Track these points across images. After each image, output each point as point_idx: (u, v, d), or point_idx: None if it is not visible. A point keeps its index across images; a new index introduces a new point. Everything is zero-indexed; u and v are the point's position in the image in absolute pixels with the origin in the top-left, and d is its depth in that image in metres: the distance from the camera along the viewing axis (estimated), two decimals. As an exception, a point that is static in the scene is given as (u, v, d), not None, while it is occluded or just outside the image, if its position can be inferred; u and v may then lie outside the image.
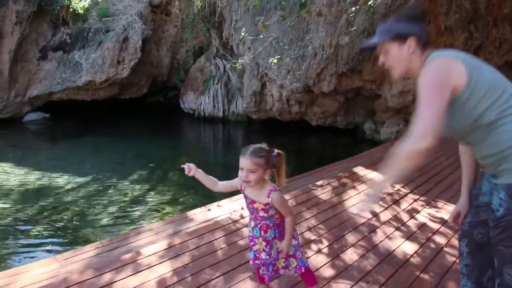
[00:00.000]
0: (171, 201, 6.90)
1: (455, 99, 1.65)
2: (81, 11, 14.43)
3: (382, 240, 3.60)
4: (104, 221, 5.96)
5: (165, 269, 3.00)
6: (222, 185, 2.43)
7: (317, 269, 2.99)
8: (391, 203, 4.61)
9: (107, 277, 2.85)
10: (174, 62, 16.60)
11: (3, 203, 6.67)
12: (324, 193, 4.86)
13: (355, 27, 8.73)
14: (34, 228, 5.66)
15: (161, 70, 16.30)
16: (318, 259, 3.17)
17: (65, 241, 5.35)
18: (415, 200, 4.76)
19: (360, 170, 6.03)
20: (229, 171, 9.05)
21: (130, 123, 14.58)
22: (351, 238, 3.61)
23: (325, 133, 11.61)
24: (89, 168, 8.90)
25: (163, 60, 16.21)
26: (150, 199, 6.95)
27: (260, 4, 7.51)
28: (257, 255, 2.34)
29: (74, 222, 5.91)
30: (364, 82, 10.35)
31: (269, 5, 7.10)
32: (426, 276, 2.99)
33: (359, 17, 8.89)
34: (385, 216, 4.21)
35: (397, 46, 1.80)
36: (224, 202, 5.07)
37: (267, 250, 2.27)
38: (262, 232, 2.25)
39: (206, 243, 3.47)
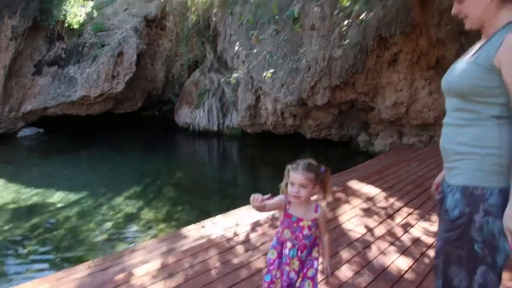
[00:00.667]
0: (166, 217, 6.86)
1: (498, 72, 1.57)
2: (76, 26, 14.46)
3: (377, 256, 3.59)
4: (98, 239, 5.91)
5: (158, 289, 2.98)
6: (269, 208, 2.25)
7: None
8: (385, 217, 4.61)
9: (99, 299, 2.83)
10: (169, 76, 16.64)
11: (-5, 220, 6.61)
12: (318, 208, 4.84)
13: (348, 41, 8.82)
14: (25, 247, 5.61)
15: (156, 84, 16.32)
16: (312, 277, 3.15)
17: (57, 260, 5.29)
18: (409, 214, 4.77)
19: (354, 184, 6.04)
20: (224, 185, 9.05)
21: (125, 137, 14.55)
22: (345, 254, 3.60)
23: (319, 146, 11.62)
24: (83, 184, 8.84)
25: (158, 74, 16.25)
26: (144, 216, 6.91)
27: (254, 19, 7.59)
28: (274, 279, 2.29)
29: (67, 241, 5.85)
30: (357, 94, 10.42)
31: (262, 20, 7.17)
32: (420, 293, 2.98)
33: (352, 30, 8.98)
34: (379, 230, 4.20)
35: None
36: (218, 218, 5.05)
37: (297, 270, 2.26)
38: (299, 252, 2.24)
39: (200, 262, 3.45)
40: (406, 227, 4.34)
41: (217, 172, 10.69)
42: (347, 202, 5.18)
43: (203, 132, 14.03)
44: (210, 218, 5.08)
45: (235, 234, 4.05)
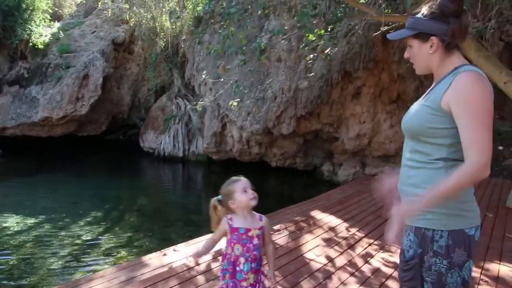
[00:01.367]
0: (127, 244, 6.69)
1: (450, 115, 1.65)
2: (41, 46, 14.24)
3: (337, 286, 3.64)
4: (54, 266, 5.68)
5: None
6: (217, 237, 2.45)
7: (272, 319, 2.96)
8: (346, 248, 4.68)
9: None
10: (135, 100, 16.52)
11: None
12: (280, 238, 4.88)
13: (313, 73, 9.07)
14: (-24, 275, 5.33)
15: (122, 108, 16.15)
16: (273, 308, 3.15)
17: (10, 288, 5.05)
18: (370, 244, 4.86)
19: (317, 214, 6.12)
20: (187, 212, 8.94)
21: (88, 161, 14.22)
22: (306, 285, 3.63)
23: (284, 174, 11.73)
24: (41, 208, 8.54)
25: (124, 98, 16.10)
26: (105, 243, 6.72)
27: (222, 49, 7.72)
28: None
29: (21, 268, 5.60)
30: (322, 125, 10.66)
31: (230, 50, 7.29)
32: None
33: (317, 63, 9.27)
34: (340, 261, 4.26)
35: (418, 43, 1.75)
36: (180, 246, 4.98)
37: (253, 283, 2.36)
38: (252, 264, 2.34)
39: (160, 292, 3.39)
40: (366, 257, 4.42)
41: (181, 199, 10.58)
42: (310, 231, 5.23)
43: (168, 158, 13.91)
44: (172, 246, 5.00)
45: (197, 263, 4.01)
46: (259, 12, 7.10)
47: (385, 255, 4.50)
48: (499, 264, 4.32)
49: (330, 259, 4.28)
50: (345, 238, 5.03)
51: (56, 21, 16.59)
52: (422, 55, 1.76)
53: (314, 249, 4.58)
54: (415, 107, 1.82)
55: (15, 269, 5.55)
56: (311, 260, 4.24)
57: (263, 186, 11.31)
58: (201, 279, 3.68)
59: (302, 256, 4.35)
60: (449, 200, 1.66)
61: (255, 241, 2.35)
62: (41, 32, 14.43)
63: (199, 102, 8.90)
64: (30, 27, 13.87)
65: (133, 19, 15.46)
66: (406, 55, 1.82)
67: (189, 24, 14.08)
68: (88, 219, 7.88)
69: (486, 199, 7.29)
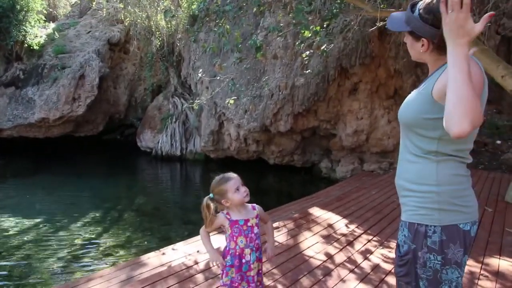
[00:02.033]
0: (125, 243, 6.68)
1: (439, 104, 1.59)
2: (36, 47, 14.18)
3: (337, 283, 3.62)
4: (53, 266, 5.67)
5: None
6: (210, 229, 2.51)
7: (272, 317, 2.96)
8: (345, 244, 4.67)
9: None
10: (132, 100, 16.48)
11: None
12: (279, 236, 4.87)
13: (309, 70, 9.05)
14: (-26, 277, 5.31)
15: (118, 107, 16.10)
16: (272, 306, 3.14)
17: (8, 290, 5.03)
18: (369, 241, 4.85)
19: (315, 211, 6.11)
20: (186, 211, 8.93)
21: (85, 161, 14.19)
22: (306, 282, 3.61)
23: (282, 172, 11.73)
24: (39, 209, 8.52)
25: (120, 97, 16.05)
26: (103, 242, 6.70)
27: (217, 47, 7.69)
28: None
29: (19, 269, 5.59)
30: (319, 122, 10.65)
31: (226, 48, 7.26)
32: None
33: (313, 60, 9.24)
34: (339, 258, 4.25)
35: (411, 40, 1.76)
36: (179, 245, 4.97)
37: (257, 271, 2.43)
38: (256, 253, 2.42)
39: (159, 292, 3.37)
40: (365, 254, 4.41)
41: (179, 198, 10.56)
42: (308, 228, 5.22)
43: (166, 157, 13.88)
44: (171, 245, 4.99)
45: (195, 262, 3.99)
46: (254, 10, 7.07)
47: (385, 251, 4.49)
48: (499, 258, 4.31)
49: (329, 256, 4.26)
50: (344, 235, 5.01)
51: (51, 21, 16.52)
52: (415, 50, 1.77)
53: (313, 246, 4.57)
54: (412, 95, 1.81)
55: (14, 270, 5.53)
56: (310, 257, 4.23)
57: (261, 183, 11.31)
58: (200, 277, 3.66)
59: (301, 253, 4.34)
60: (443, 195, 1.65)
61: (255, 229, 2.43)
62: (36, 33, 14.37)
63: (196, 101, 8.86)
64: (25, 28, 13.80)
65: (128, 19, 15.39)
66: (404, 40, 1.82)
67: (184, 23, 14.04)
68: (86, 219, 7.86)
69: (485, 194, 7.29)
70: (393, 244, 4.71)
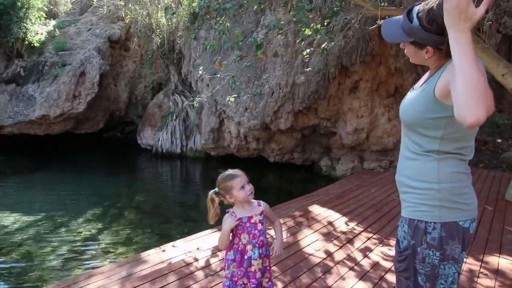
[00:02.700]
0: (126, 240, 6.69)
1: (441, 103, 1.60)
2: (37, 44, 14.18)
3: (337, 281, 3.63)
4: (54, 263, 5.68)
5: (114, 318, 2.89)
6: (229, 227, 2.43)
7: (271, 314, 2.96)
8: (345, 242, 4.68)
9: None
10: (132, 98, 16.48)
11: None
12: (280, 233, 4.87)
13: (310, 68, 9.05)
14: (-25, 274, 5.32)
15: (119, 105, 16.11)
16: (272, 303, 3.15)
17: (10, 286, 5.04)
18: (369, 239, 4.86)
19: (315, 209, 6.11)
20: (186, 208, 8.94)
21: (85, 159, 14.20)
22: (305, 279, 3.62)
23: (282, 169, 11.73)
24: (40, 206, 8.53)
25: (120, 95, 16.05)
26: (103, 239, 6.71)
27: (218, 45, 7.69)
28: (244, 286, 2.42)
29: (20, 265, 5.60)
30: (319, 119, 10.65)
31: (226, 45, 7.26)
32: (377, 318, 3.02)
33: (314, 58, 9.24)
34: (339, 255, 4.26)
35: (414, 48, 1.71)
36: (179, 242, 4.98)
37: (262, 268, 2.44)
38: (260, 250, 2.42)
39: (159, 288, 3.38)
40: (365, 251, 4.41)
41: (179, 195, 10.57)
42: (308, 226, 5.23)
43: (166, 154, 13.89)
44: (171, 242, 4.99)
45: (195, 259, 4.00)
46: (255, 7, 7.06)
47: (384, 249, 4.49)
48: (499, 257, 4.32)
49: (329, 254, 4.27)
50: (344, 233, 5.02)
51: (51, 19, 16.50)
52: (418, 57, 1.73)
53: (313, 244, 4.57)
54: (411, 94, 1.80)
55: (15, 267, 5.54)
56: (310, 254, 4.23)
57: (262, 181, 11.31)
58: (200, 274, 3.67)
59: (301, 251, 4.34)
60: (443, 192, 1.66)
61: (259, 226, 2.43)
62: (37, 30, 14.37)
63: (196, 98, 8.88)
64: (26, 25, 13.80)
65: (128, 16, 15.38)
66: (401, 46, 1.77)
67: (185, 20, 14.02)
68: (86, 216, 7.87)
69: (485, 192, 7.29)
70: (392, 242, 4.72)
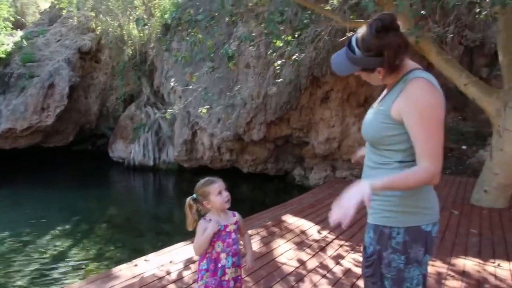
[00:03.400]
0: (97, 256, 6.56)
1: (400, 123, 1.71)
2: (2, 55, 13.83)
3: (309, 289, 3.66)
4: (20, 282, 5.50)
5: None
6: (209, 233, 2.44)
7: (244, 324, 2.96)
8: (318, 250, 4.73)
9: None
10: (103, 110, 16.23)
11: None
12: (252, 243, 4.86)
13: (281, 79, 9.16)
14: None
15: (89, 117, 15.83)
16: (245, 313, 3.15)
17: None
18: (341, 246, 4.92)
19: (288, 218, 6.16)
20: (159, 222, 8.84)
21: (55, 173, 13.84)
22: (279, 288, 3.64)
23: (256, 180, 11.76)
24: (5, 224, 8.23)
25: (91, 107, 15.80)
26: (74, 256, 6.56)
27: (190, 56, 7.72)
28: None
29: (-17, 286, 5.41)
30: (292, 130, 10.75)
31: (198, 57, 7.29)
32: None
33: (286, 69, 9.35)
34: (312, 263, 4.30)
35: (367, 73, 1.80)
36: (151, 256, 4.91)
37: (235, 277, 2.47)
38: (233, 259, 2.46)
39: (131, 303, 3.33)
40: (337, 259, 4.47)
41: (152, 208, 10.45)
42: (281, 236, 5.26)
43: (139, 167, 13.72)
44: (143, 256, 4.92)
45: (168, 273, 3.97)
46: (227, 19, 7.15)
47: (356, 256, 4.56)
48: (465, 259, 4.46)
49: (302, 262, 4.31)
50: (316, 241, 5.08)
51: (18, 29, 16.15)
52: (374, 79, 1.82)
53: (286, 253, 4.60)
54: (371, 113, 1.88)
55: (-21, 287, 5.35)
56: (283, 264, 4.26)
57: (235, 192, 11.21)
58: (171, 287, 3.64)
59: (274, 260, 4.37)
60: (406, 198, 1.73)
61: (233, 235, 2.49)
62: (3, 40, 14.03)
63: (169, 110, 8.83)
64: (-9, 36, 13.48)
65: (99, 27, 15.21)
66: (356, 74, 1.84)
67: (157, 32, 13.97)
68: (55, 233, 7.68)
69: (452, 197, 7.51)
70: (364, 249, 4.80)
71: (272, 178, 11.85)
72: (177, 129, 12.25)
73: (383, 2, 5.91)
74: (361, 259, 4.38)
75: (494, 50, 10.55)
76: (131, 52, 15.03)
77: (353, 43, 1.74)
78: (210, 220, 2.43)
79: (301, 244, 4.96)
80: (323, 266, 4.25)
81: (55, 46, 14.94)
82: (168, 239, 6.71)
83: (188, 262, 4.25)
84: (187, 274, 3.94)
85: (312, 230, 5.58)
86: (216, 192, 2.42)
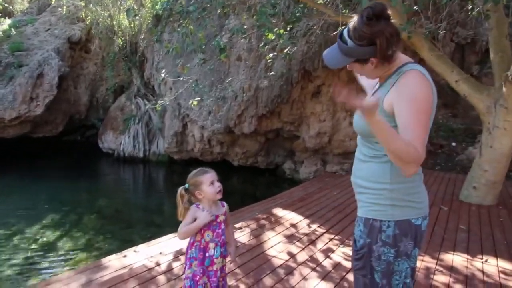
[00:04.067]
0: (86, 247, 6.52)
1: (391, 116, 1.71)
2: (-10, 44, 13.62)
3: (299, 282, 3.68)
4: (8, 272, 5.45)
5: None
6: (190, 221, 2.46)
7: (234, 316, 2.97)
8: (308, 243, 4.75)
9: None
10: (93, 100, 16.07)
11: None
12: (242, 236, 4.89)
13: (273, 72, 9.13)
14: None
15: (79, 108, 15.67)
16: (235, 305, 3.16)
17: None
18: (331, 240, 4.95)
19: (279, 211, 6.18)
20: (148, 213, 8.80)
21: (43, 163, 13.70)
22: (268, 281, 3.65)
23: (246, 173, 11.76)
24: (-8, 214, 8.17)
25: (81, 97, 15.63)
26: (62, 246, 6.51)
27: (181, 48, 7.65)
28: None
29: (-29, 276, 5.35)
30: (283, 123, 10.75)
31: (189, 48, 7.24)
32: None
33: (277, 62, 9.33)
34: (302, 256, 4.32)
35: (359, 65, 1.78)
36: (141, 247, 4.89)
37: (220, 266, 2.50)
38: (221, 249, 2.48)
39: (120, 294, 3.32)
40: (327, 252, 4.50)
41: (142, 200, 10.41)
42: (271, 229, 5.27)
43: (129, 159, 13.64)
44: (133, 247, 4.91)
45: (157, 264, 3.96)
46: (219, 11, 7.10)
47: (346, 250, 4.59)
48: (453, 254, 4.52)
49: (292, 255, 4.33)
50: (306, 234, 5.10)
51: (6, 17, 15.89)
52: (367, 71, 1.81)
53: (275, 246, 4.62)
54: None
55: (-35, 278, 5.29)
56: (273, 256, 4.27)
57: (226, 185, 11.12)
58: (162, 279, 3.64)
59: (264, 253, 4.38)
60: (396, 192, 1.75)
61: (223, 226, 2.51)
62: (-9, 29, 13.82)
63: (159, 102, 8.77)
64: (-22, 24, 13.24)
65: (89, 17, 15.00)
66: (349, 68, 1.83)
67: (147, 23, 13.84)
68: (44, 223, 7.61)
69: (441, 193, 7.58)
70: (353, 243, 4.83)
71: (262, 171, 11.86)
72: (167, 121, 12.19)
73: (377, -4, 5.89)
74: (350, 252, 4.41)
75: (485, 47, 10.65)
76: (121, 43, 14.88)
77: (345, 34, 1.73)
78: (204, 209, 2.44)
79: (291, 237, 4.98)
80: (313, 259, 4.27)
81: (44, 36, 14.72)
82: (158, 231, 6.69)
83: (178, 254, 4.25)
84: (176, 265, 3.94)
85: (302, 223, 5.61)
86: (208, 182, 2.44)
